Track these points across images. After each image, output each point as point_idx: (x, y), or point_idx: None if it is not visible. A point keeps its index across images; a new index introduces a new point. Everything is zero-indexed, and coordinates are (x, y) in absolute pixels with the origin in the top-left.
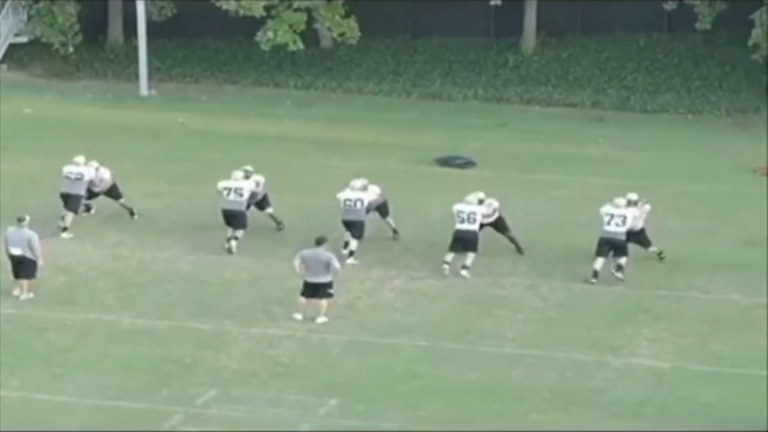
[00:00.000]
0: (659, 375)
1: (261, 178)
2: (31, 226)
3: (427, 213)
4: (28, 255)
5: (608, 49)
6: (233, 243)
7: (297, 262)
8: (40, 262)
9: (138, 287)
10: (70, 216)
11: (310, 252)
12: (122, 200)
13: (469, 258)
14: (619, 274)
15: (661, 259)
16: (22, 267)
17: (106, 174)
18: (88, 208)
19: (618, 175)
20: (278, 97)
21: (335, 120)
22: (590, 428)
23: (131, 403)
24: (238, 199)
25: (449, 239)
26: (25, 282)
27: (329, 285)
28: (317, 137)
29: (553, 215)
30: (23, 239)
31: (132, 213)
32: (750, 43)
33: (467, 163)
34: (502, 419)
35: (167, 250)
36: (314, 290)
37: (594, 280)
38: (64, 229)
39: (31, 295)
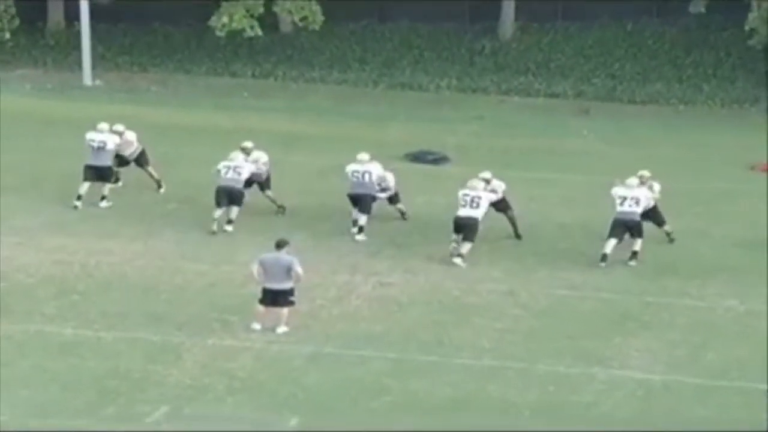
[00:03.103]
0: (650, 388)
1: (263, 156)
2: None
3: (396, 213)
4: None
5: (593, 34)
6: (229, 227)
7: (255, 267)
8: None
9: (81, 295)
10: (107, 186)
11: (270, 256)
12: (150, 168)
13: (465, 247)
14: (632, 263)
15: (671, 240)
16: None
17: (132, 136)
18: (116, 180)
19: (603, 171)
20: (234, 87)
21: (296, 112)
22: None
23: (74, 420)
24: (237, 177)
25: (420, 242)
26: None
27: (290, 292)
28: (277, 130)
29: (533, 215)
30: None
31: (159, 185)
32: (746, 27)
33: (440, 159)
34: None
35: (113, 254)
36: (274, 297)
37: (602, 264)
38: (103, 197)
39: None
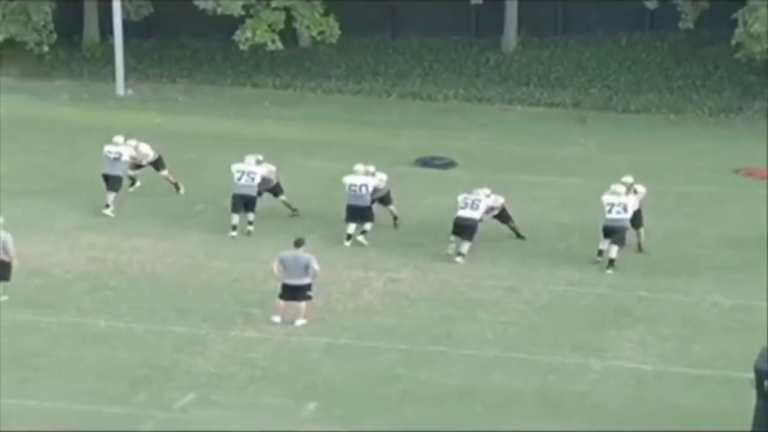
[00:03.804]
0: (642, 378)
1: (272, 167)
2: (5, 227)
3: (406, 214)
4: (3, 257)
5: (590, 48)
6: (250, 227)
7: (275, 264)
8: (15, 264)
9: (113, 290)
10: (112, 195)
11: (288, 254)
12: (165, 172)
13: (464, 246)
14: (609, 270)
15: (640, 249)
16: None
17: (146, 148)
18: (133, 182)
19: (599, 175)
20: (257, 97)
21: (314, 120)
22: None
23: (106, 407)
24: (251, 183)
25: (429, 241)
26: None
27: (308, 287)
28: (296, 138)
29: (534, 217)
30: None
31: (177, 188)
32: (733, 42)
33: (448, 164)
34: (483, 423)
35: (143, 252)
36: (293, 293)
37: (599, 258)
38: (107, 206)
39: (5, 297)
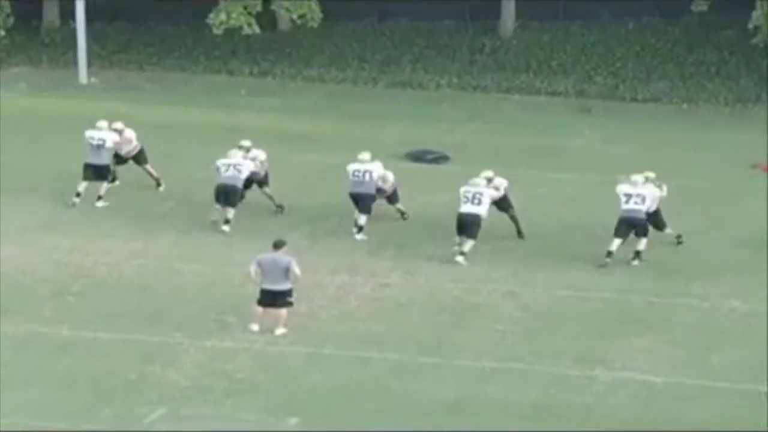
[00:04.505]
0: (652, 390)
1: (261, 154)
2: None
3: (396, 213)
4: None
5: (594, 33)
6: (226, 227)
7: (253, 268)
8: None
9: (77, 295)
10: (104, 185)
11: (267, 257)
12: (148, 166)
13: (468, 244)
14: (635, 262)
15: (680, 243)
16: None
17: (131, 134)
18: (113, 179)
19: (605, 170)
20: (231, 85)
21: (295, 110)
22: None
23: (70, 423)
24: (237, 175)
25: (420, 241)
26: None
27: (289, 293)
28: (274, 129)
29: (534, 215)
30: None
31: (158, 183)
32: (750, 25)
33: (441, 158)
34: None
35: (110, 254)
36: (272, 298)
37: (608, 259)
38: (99, 197)
39: None
